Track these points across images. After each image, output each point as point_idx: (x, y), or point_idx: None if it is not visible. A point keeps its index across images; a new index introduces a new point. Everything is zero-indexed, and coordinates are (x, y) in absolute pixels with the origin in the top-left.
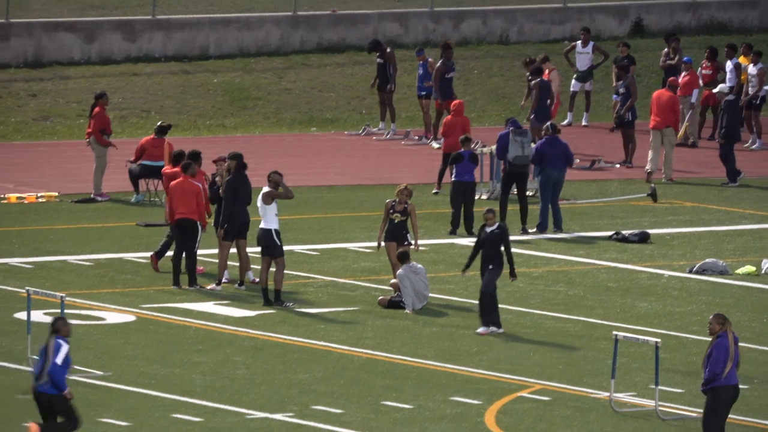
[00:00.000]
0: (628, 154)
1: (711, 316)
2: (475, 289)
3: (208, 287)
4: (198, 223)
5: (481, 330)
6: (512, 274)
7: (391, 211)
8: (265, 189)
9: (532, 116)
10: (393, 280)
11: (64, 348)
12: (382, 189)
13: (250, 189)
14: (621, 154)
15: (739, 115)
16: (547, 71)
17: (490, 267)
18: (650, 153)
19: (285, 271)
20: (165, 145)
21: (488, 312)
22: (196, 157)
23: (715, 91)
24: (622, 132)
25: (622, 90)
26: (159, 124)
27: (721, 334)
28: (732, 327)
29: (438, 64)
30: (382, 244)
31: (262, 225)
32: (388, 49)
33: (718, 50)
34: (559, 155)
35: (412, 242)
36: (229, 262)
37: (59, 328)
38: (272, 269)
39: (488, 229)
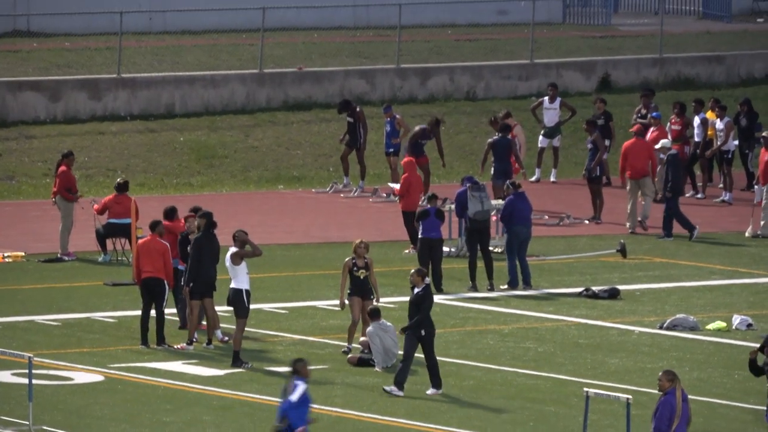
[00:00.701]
0: (596, 209)
1: (660, 373)
2: (444, 346)
3: (177, 346)
4: (165, 281)
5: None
6: (403, 330)
7: (355, 268)
8: (233, 249)
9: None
10: (362, 338)
11: (301, 387)
12: (350, 247)
13: (218, 248)
14: (589, 209)
15: (682, 168)
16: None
17: (422, 333)
18: (628, 206)
19: (254, 330)
20: (132, 204)
21: (406, 375)
22: (172, 212)
23: (657, 147)
24: (590, 188)
25: (589, 145)
26: (117, 180)
27: (669, 390)
28: (681, 384)
29: (417, 128)
30: (346, 302)
31: (232, 285)
32: (358, 108)
33: (686, 105)
34: (526, 212)
35: (373, 297)
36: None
37: (299, 369)
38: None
39: (416, 290)
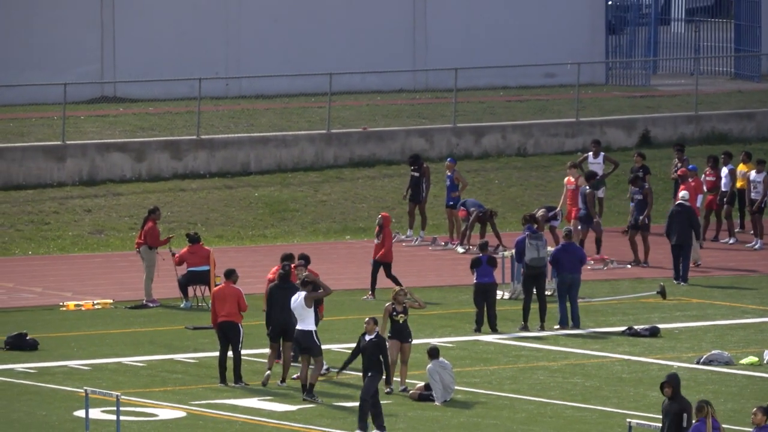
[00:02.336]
0: (644, 255)
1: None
2: (498, 381)
3: (279, 382)
4: (239, 324)
5: None
6: (387, 382)
7: (394, 313)
8: (303, 293)
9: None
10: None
11: None
12: (411, 291)
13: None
14: (630, 255)
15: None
16: (572, 178)
17: (369, 374)
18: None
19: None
20: (210, 255)
21: (365, 417)
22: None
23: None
24: (642, 234)
25: (639, 197)
26: (186, 233)
27: (699, 419)
28: (713, 412)
29: (476, 211)
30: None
31: (300, 327)
32: (425, 164)
33: (719, 158)
34: (573, 260)
35: (411, 340)
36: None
37: None
38: (311, 366)
39: (367, 337)
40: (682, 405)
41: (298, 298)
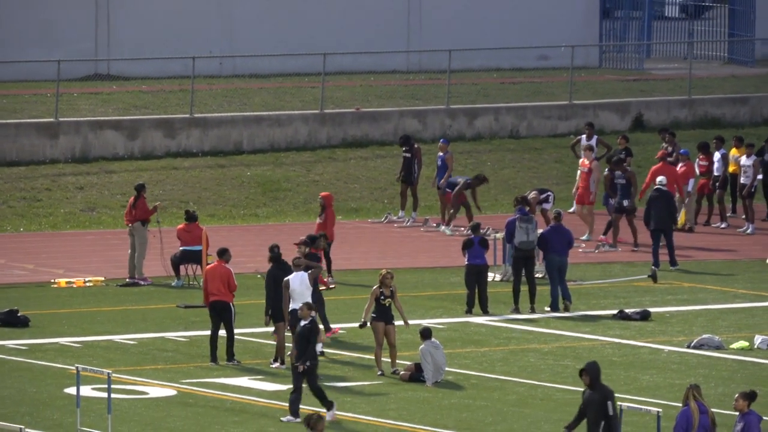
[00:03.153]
0: (633, 239)
1: (737, 394)
2: (489, 363)
3: (273, 365)
4: (231, 304)
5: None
6: (302, 364)
7: (381, 296)
8: (302, 274)
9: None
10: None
11: None
12: (403, 272)
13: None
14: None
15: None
16: (587, 160)
17: (308, 363)
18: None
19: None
20: (203, 233)
21: (324, 398)
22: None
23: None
24: (627, 219)
25: (622, 181)
26: (186, 210)
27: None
28: (698, 395)
29: (462, 181)
30: (368, 323)
31: (293, 306)
32: (416, 145)
33: (709, 144)
34: (562, 242)
35: (398, 322)
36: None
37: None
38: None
39: (302, 323)
40: (604, 393)
41: (303, 279)
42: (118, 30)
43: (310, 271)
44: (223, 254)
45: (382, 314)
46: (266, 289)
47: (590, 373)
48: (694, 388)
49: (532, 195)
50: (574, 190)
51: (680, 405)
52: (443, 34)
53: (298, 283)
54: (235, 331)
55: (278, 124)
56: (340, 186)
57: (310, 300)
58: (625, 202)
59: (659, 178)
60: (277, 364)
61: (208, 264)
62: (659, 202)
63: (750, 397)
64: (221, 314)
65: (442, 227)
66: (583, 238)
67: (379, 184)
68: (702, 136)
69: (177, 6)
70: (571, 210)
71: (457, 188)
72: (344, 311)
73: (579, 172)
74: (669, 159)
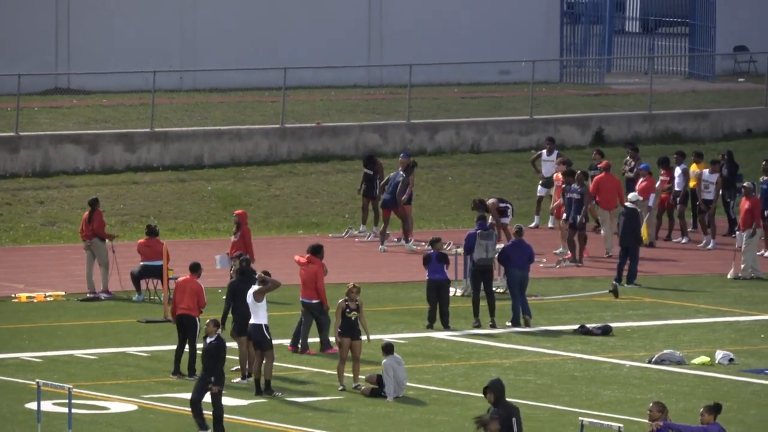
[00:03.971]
0: (579, 253)
1: (651, 404)
2: (450, 378)
3: (234, 380)
4: (197, 318)
5: None
6: (216, 383)
7: (347, 310)
8: (255, 287)
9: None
10: (364, 377)
11: None
12: (365, 287)
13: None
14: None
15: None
16: (560, 175)
17: (212, 379)
18: (603, 232)
19: (276, 363)
20: (164, 248)
21: (199, 416)
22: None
23: (629, 197)
24: (578, 233)
25: (576, 195)
26: (147, 225)
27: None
28: (668, 415)
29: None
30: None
31: (252, 320)
32: (379, 162)
33: (669, 159)
34: (523, 257)
35: (364, 337)
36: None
37: None
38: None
39: (208, 340)
40: (508, 410)
41: (250, 292)
42: (79, 44)
43: (257, 288)
44: (196, 269)
45: (349, 329)
46: (226, 301)
47: (494, 390)
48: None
49: (490, 201)
50: (552, 205)
51: (642, 420)
52: (404, 48)
53: (250, 297)
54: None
55: (239, 138)
56: (301, 200)
57: (261, 313)
58: (578, 217)
59: (631, 195)
60: (238, 379)
61: (169, 278)
62: (626, 219)
63: (715, 410)
64: (186, 328)
65: (409, 243)
66: (558, 251)
67: (340, 199)
68: (663, 150)
69: (138, 20)
70: (550, 225)
71: (403, 197)
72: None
73: (555, 186)
74: (629, 174)
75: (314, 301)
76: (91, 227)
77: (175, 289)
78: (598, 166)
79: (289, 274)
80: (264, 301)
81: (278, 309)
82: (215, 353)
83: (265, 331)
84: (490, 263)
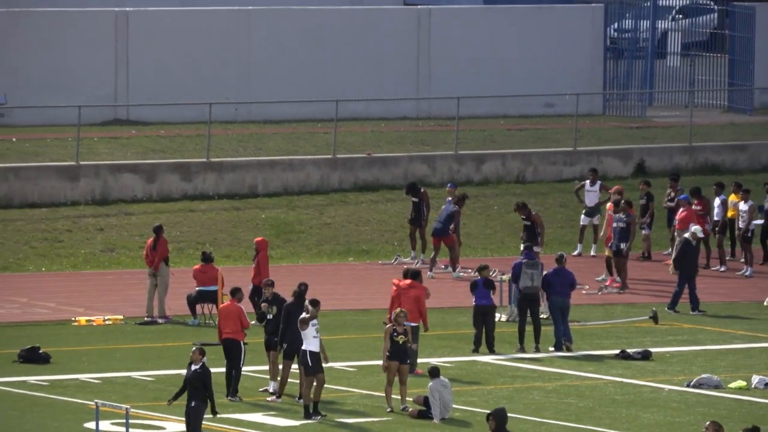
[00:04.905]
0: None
1: (708, 423)
2: (495, 401)
3: (268, 399)
4: (241, 342)
5: None
6: (213, 412)
7: (395, 334)
8: (301, 316)
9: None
10: (412, 399)
11: None
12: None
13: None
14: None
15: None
16: (611, 204)
17: (193, 404)
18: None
19: (326, 385)
20: (218, 274)
21: None
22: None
23: (690, 230)
24: (620, 261)
25: (622, 224)
26: (202, 252)
27: None
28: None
29: (453, 210)
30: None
31: (306, 347)
32: (422, 189)
33: (701, 189)
34: (564, 284)
35: (408, 361)
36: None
37: None
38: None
39: (193, 367)
40: None
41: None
42: (137, 76)
43: (301, 317)
44: (236, 293)
45: (396, 353)
46: (282, 323)
47: (497, 418)
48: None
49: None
50: (601, 234)
51: None
52: (451, 82)
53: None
54: (245, 368)
55: (291, 168)
56: (351, 228)
57: (309, 340)
58: (622, 245)
59: (695, 228)
60: (273, 398)
61: (223, 303)
62: (684, 249)
63: None
64: (231, 352)
65: (455, 271)
66: (600, 278)
67: (389, 227)
68: (702, 182)
69: (194, 53)
70: (593, 253)
71: (450, 227)
72: (354, 349)
73: (607, 216)
74: (669, 204)
75: (413, 324)
76: (155, 253)
77: (219, 315)
78: (609, 207)
79: (339, 299)
80: (311, 327)
81: (330, 333)
82: (201, 381)
83: (308, 357)
84: (536, 291)
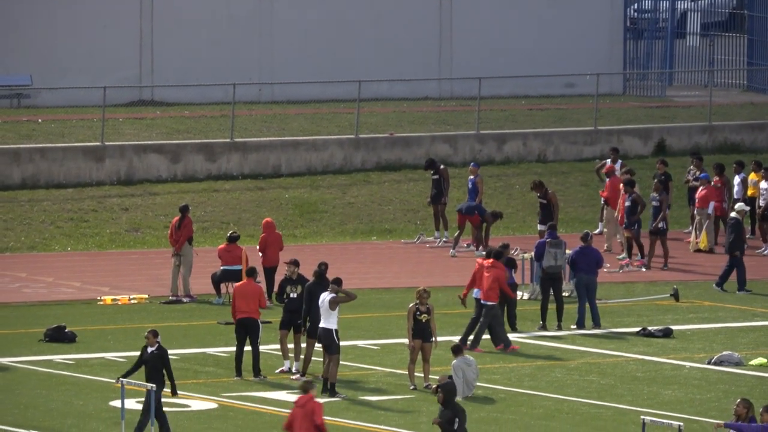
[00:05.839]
0: (663, 257)
1: (738, 400)
2: (517, 378)
3: (292, 377)
4: (258, 320)
5: None
6: (173, 392)
7: (417, 312)
8: (331, 295)
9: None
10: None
11: None
12: (435, 291)
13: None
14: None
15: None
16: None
17: (152, 386)
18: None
19: (350, 364)
20: (242, 253)
21: (143, 428)
22: (253, 271)
23: (735, 209)
24: (659, 239)
25: (655, 203)
26: (229, 233)
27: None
28: (754, 411)
29: (490, 212)
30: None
31: (323, 324)
32: (442, 166)
33: (725, 166)
34: (590, 262)
35: (432, 339)
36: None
37: None
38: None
39: (149, 349)
40: (454, 411)
41: (324, 299)
42: (162, 58)
43: (333, 297)
44: (252, 273)
45: (420, 331)
46: (304, 303)
47: (444, 391)
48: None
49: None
50: (616, 213)
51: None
52: (473, 62)
53: (321, 301)
54: (262, 347)
55: (315, 148)
56: (374, 208)
57: (333, 319)
58: (661, 224)
59: (740, 205)
60: (297, 376)
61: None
62: (733, 229)
63: None
64: (248, 331)
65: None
66: (621, 257)
67: (412, 206)
68: (721, 160)
69: (218, 35)
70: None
71: (486, 214)
72: (377, 328)
73: (621, 193)
74: (693, 183)
75: (490, 303)
76: (180, 233)
77: (235, 294)
78: (603, 171)
79: (362, 278)
80: (337, 309)
81: (352, 312)
82: (157, 363)
83: (334, 335)
84: (559, 270)
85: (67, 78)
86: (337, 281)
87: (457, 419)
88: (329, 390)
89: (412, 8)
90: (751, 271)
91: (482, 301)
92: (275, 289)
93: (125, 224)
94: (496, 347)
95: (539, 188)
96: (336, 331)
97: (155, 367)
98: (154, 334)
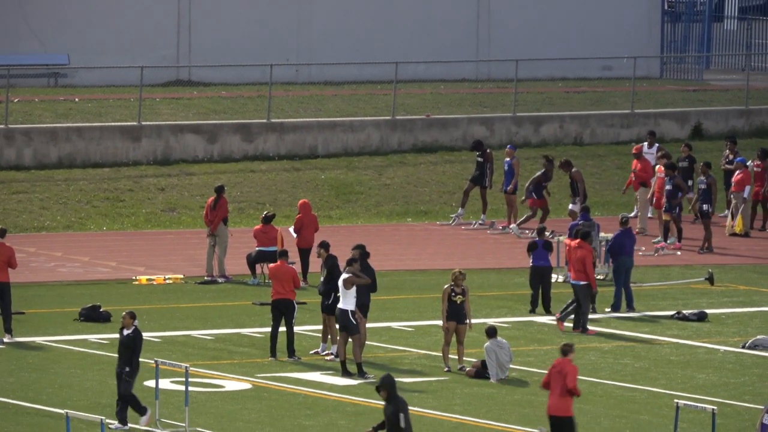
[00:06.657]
0: (706, 241)
1: None
2: (551, 361)
3: (327, 358)
4: (293, 301)
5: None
6: (127, 376)
7: (453, 294)
8: (345, 275)
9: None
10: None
11: None
12: (470, 272)
13: (373, 274)
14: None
15: None
16: (660, 166)
17: (127, 369)
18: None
19: (384, 345)
20: (278, 234)
21: (123, 411)
22: (285, 253)
23: None
24: (704, 223)
25: (703, 186)
26: (264, 213)
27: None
28: None
29: (538, 174)
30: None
31: (340, 305)
32: (488, 150)
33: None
34: (632, 244)
35: (467, 321)
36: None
37: None
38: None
39: (125, 332)
40: (397, 406)
41: (341, 279)
42: (200, 38)
43: (347, 277)
44: (284, 255)
45: (454, 313)
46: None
47: (386, 387)
48: None
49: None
50: (649, 195)
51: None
52: (510, 45)
53: (340, 283)
54: (296, 328)
55: (351, 129)
56: (410, 189)
57: (349, 300)
58: (705, 206)
59: None
60: (331, 357)
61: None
62: None
63: None
64: (283, 312)
65: (512, 227)
66: (656, 240)
67: (448, 188)
68: (759, 144)
69: (256, 15)
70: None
71: (533, 181)
72: (413, 310)
73: (655, 177)
74: (728, 166)
75: (581, 283)
76: (215, 213)
77: (270, 275)
78: (633, 152)
79: (397, 260)
80: (353, 288)
81: (387, 293)
82: (132, 344)
83: (351, 316)
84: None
85: (104, 57)
86: (351, 261)
87: (401, 414)
88: (357, 371)
89: None
90: None
91: (572, 282)
92: (310, 269)
93: (161, 204)
94: (573, 329)
95: (566, 167)
96: (352, 312)
97: (129, 348)
98: (131, 315)
